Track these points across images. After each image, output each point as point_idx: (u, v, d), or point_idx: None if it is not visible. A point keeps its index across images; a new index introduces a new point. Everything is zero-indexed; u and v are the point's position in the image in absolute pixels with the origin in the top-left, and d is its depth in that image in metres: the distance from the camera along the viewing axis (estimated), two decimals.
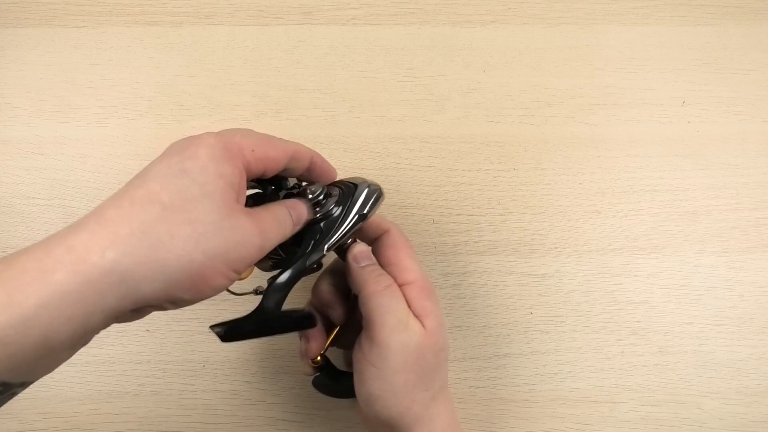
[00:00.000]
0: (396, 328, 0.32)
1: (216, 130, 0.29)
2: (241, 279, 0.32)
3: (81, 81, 0.51)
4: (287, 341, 0.47)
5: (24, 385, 0.24)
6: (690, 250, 0.49)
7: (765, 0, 0.55)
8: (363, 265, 0.35)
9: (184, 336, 0.47)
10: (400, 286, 0.34)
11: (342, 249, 0.37)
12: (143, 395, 0.45)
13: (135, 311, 0.26)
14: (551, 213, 0.49)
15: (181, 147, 0.27)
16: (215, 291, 0.27)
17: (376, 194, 0.35)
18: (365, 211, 0.34)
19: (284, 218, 0.32)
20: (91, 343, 0.42)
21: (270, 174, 0.32)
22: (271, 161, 0.31)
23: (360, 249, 0.36)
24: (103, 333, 0.42)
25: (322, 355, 0.38)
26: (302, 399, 0.46)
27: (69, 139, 0.50)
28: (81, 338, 0.24)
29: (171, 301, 0.26)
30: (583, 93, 0.52)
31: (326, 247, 0.34)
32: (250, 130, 0.31)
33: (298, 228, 0.33)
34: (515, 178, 0.50)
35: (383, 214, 0.49)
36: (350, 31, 0.53)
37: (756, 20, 0.54)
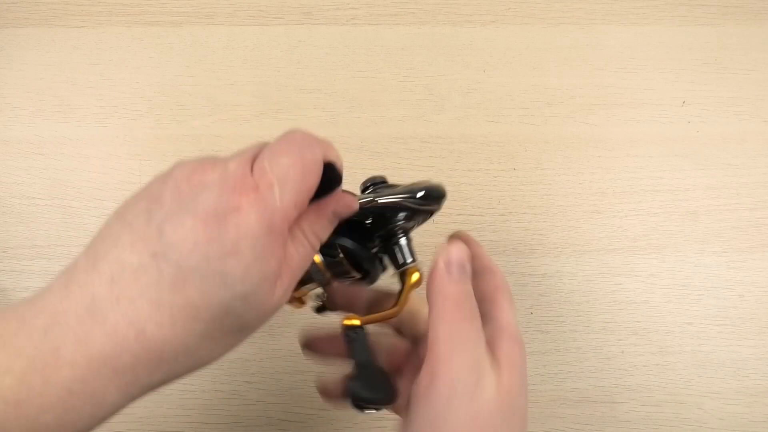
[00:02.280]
0: (467, 367, 0.25)
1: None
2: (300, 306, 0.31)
3: (81, 81, 0.51)
4: (289, 341, 0.47)
5: None
6: (690, 250, 0.49)
7: (765, 0, 0.55)
8: (454, 276, 0.27)
9: None
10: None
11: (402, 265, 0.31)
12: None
13: None
14: (551, 213, 0.49)
15: (216, 216, 0.21)
16: None
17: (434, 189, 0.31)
18: (418, 196, 0.29)
19: (310, 258, 0.26)
20: None
21: None
22: (306, 191, 0.25)
23: (458, 250, 0.27)
24: None
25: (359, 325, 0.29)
26: (302, 399, 0.46)
27: (69, 139, 0.50)
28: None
29: None
30: (583, 93, 0.52)
31: (377, 198, 0.29)
32: (286, 163, 0.23)
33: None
34: (515, 178, 0.50)
35: None
36: (350, 31, 0.53)
37: (756, 20, 0.54)
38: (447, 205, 0.49)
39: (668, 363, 0.47)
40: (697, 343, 0.47)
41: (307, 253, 0.25)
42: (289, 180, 0.23)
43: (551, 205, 0.49)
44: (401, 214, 0.30)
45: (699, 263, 0.48)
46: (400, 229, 0.31)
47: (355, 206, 0.28)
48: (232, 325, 0.23)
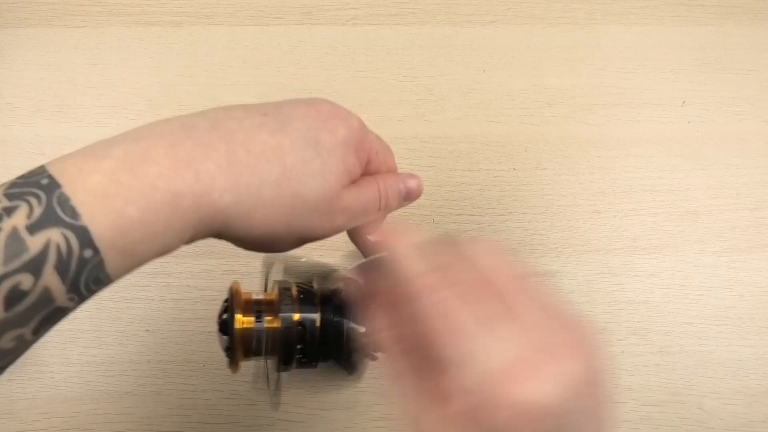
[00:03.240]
0: None
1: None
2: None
3: (81, 81, 0.51)
4: None
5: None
6: (690, 250, 0.49)
7: (765, 0, 0.55)
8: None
9: (184, 336, 0.47)
10: None
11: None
12: (143, 395, 0.45)
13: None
14: (551, 213, 0.49)
15: (328, 114, 0.28)
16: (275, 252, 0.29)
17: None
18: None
19: (373, 206, 0.30)
20: (91, 343, 0.42)
21: None
22: (384, 169, 0.32)
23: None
24: (102, 333, 0.42)
25: None
26: (302, 399, 0.46)
27: (69, 139, 0.50)
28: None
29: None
30: (583, 93, 0.52)
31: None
32: (379, 137, 0.32)
33: (391, 209, 0.32)
34: (515, 178, 0.50)
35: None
36: (350, 31, 0.53)
37: (756, 20, 0.54)
38: (447, 205, 0.50)
39: (668, 363, 0.47)
40: (697, 343, 0.47)
41: (372, 197, 0.30)
42: (382, 143, 0.32)
43: (551, 205, 0.49)
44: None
45: (699, 263, 0.48)
46: None
47: (421, 189, 0.33)
48: (298, 188, 0.26)
